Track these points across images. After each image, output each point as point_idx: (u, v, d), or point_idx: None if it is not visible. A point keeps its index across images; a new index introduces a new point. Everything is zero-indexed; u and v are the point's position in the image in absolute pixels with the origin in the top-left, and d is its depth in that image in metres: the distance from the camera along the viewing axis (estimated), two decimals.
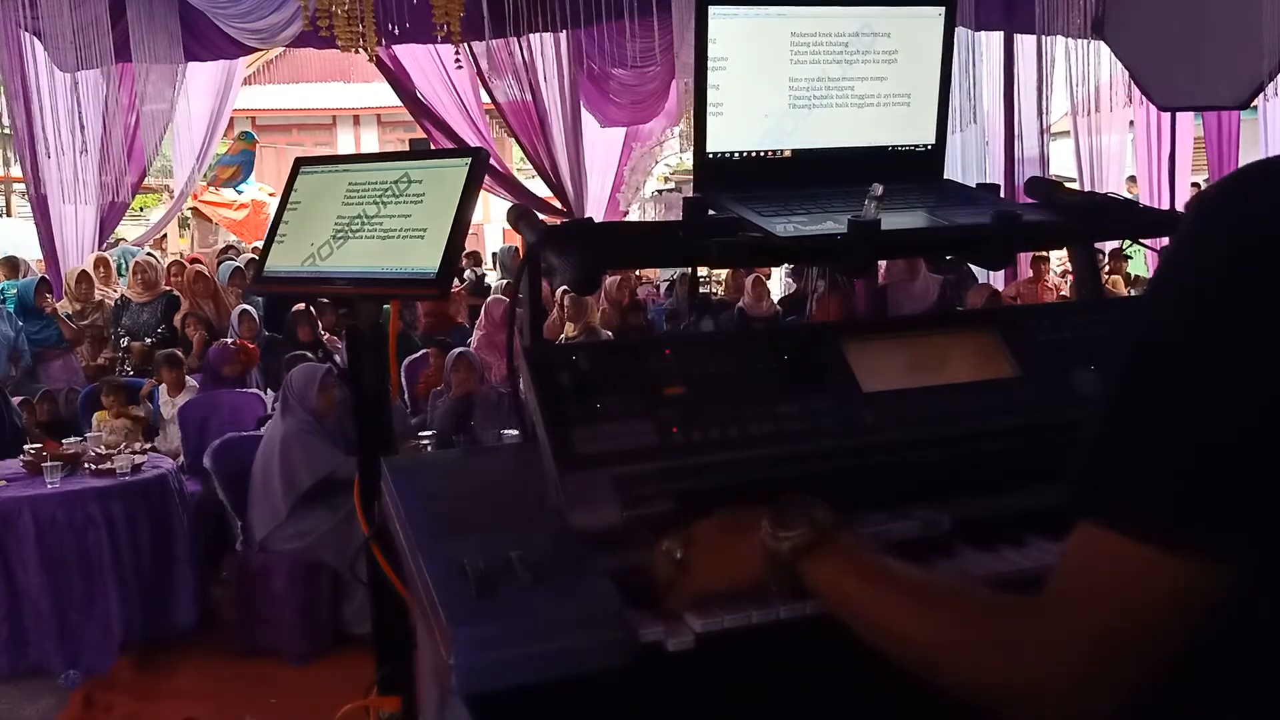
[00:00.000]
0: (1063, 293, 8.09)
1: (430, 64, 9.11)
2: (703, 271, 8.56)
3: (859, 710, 1.17)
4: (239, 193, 12.83)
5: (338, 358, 5.13)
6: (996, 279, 7.71)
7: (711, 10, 1.43)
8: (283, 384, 4.69)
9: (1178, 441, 0.69)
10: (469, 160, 1.81)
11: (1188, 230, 0.74)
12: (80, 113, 8.36)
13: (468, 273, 10.03)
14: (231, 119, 11.03)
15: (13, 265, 8.72)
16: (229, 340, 6.64)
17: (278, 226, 1.99)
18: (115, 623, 4.26)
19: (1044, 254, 8.11)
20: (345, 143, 22.01)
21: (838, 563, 0.92)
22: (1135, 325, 0.74)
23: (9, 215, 16.08)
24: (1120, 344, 0.75)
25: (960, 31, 7.48)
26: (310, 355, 5.60)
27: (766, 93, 1.50)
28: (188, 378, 6.05)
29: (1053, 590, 0.74)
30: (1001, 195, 1.74)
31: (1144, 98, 7.18)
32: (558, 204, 9.15)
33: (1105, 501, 0.72)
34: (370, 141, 21.97)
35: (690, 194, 1.49)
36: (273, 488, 4.41)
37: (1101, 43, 7.57)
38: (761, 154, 1.52)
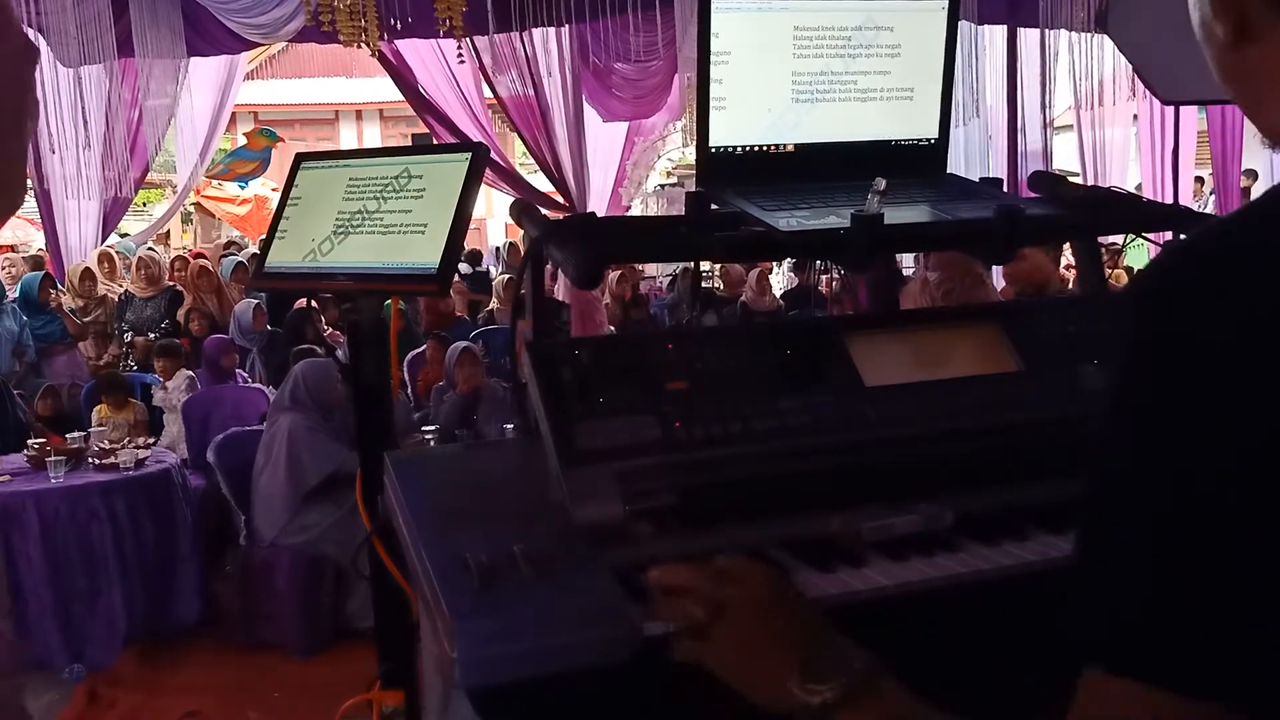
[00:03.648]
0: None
1: (433, 58, 9.09)
2: (705, 266, 8.56)
3: None
4: (242, 188, 12.83)
5: (340, 353, 5.14)
6: (996, 273, 7.69)
7: (714, 4, 1.43)
8: (289, 379, 4.68)
9: (1193, 584, 0.63)
10: (469, 155, 1.81)
11: (1128, 336, 0.68)
12: (83, 108, 8.36)
13: (463, 266, 10.02)
14: (234, 114, 11.02)
15: (37, 262, 8.74)
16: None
17: (279, 222, 1.99)
18: (119, 617, 4.27)
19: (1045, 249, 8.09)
20: (348, 138, 22.02)
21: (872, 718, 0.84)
22: (1100, 448, 0.68)
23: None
24: (1090, 465, 0.69)
25: (963, 25, 7.48)
26: (317, 350, 5.61)
27: (769, 87, 1.50)
28: (185, 371, 6.03)
29: None
30: (1004, 189, 1.74)
31: (1147, 91, 7.16)
32: (560, 199, 9.14)
33: (1128, 648, 0.66)
34: (373, 136, 21.97)
35: (693, 189, 1.49)
36: (279, 486, 4.42)
37: (1105, 36, 7.56)
38: (764, 148, 1.51)
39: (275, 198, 10.68)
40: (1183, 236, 0.70)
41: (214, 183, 12.59)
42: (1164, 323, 0.65)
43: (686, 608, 0.95)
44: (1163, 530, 0.64)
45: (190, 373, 6.02)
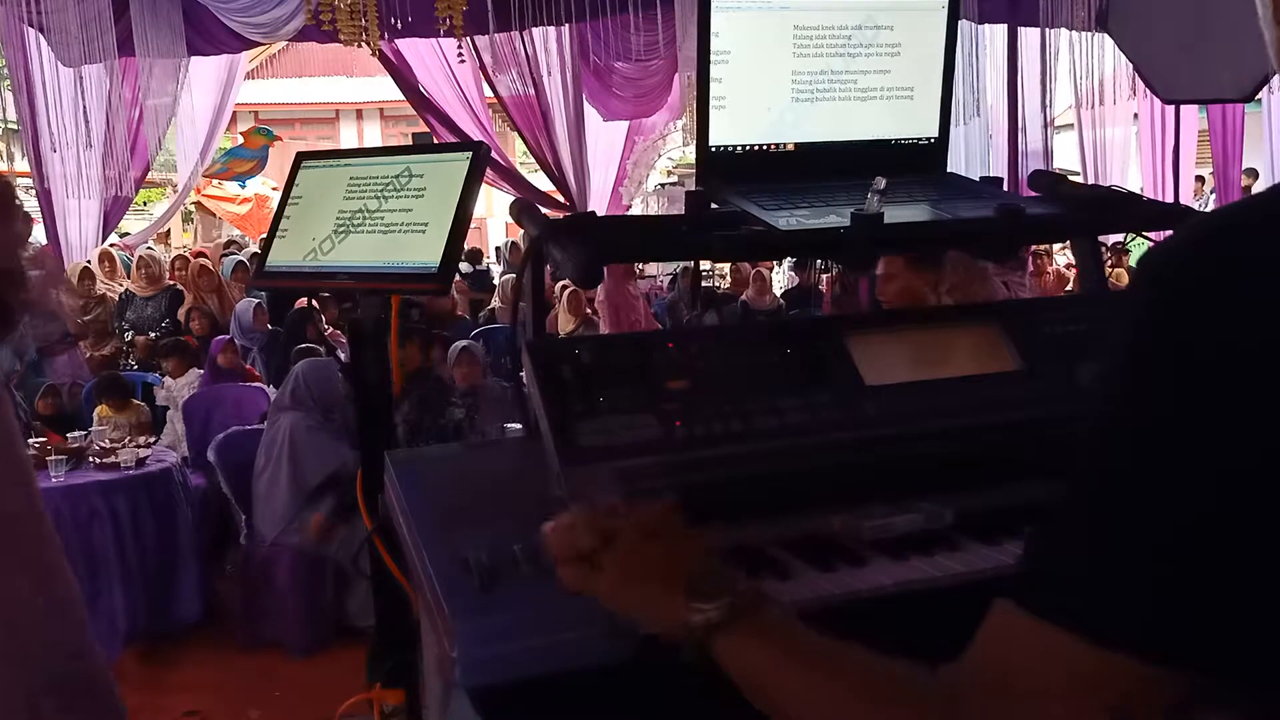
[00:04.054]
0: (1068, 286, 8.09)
1: (433, 58, 9.10)
2: (705, 265, 8.56)
3: None
4: (242, 187, 12.84)
5: (340, 352, 5.13)
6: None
7: (714, 4, 1.43)
8: (290, 378, 4.68)
9: (1135, 543, 0.64)
10: (470, 155, 1.81)
11: (1137, 299, 0.68)
12: (84, 107, 8.36)
13: (464, 265, 10.02)
14: (234, 113, 11.03)
15: None
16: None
17: (280, 221, 1.99)
18: (119, 616, 4.27)
19: (1045, 248, 8.11)
20: (348, 137, 22.02)
21: (757, 642, 0.85)
22: (1098, 406, 0.69)
23: None
24: (1087, 423, 0.70)
25: (963, 24, 7.48)
26: (318, 350, 5.61)
27: (769, 86, 1.50)
28: (196, 370, 6.06)
29: (973, 678, 0.70)
30: (1005, 189, 1.74)
31: (1148, 90, 7.16)
32: (560, 198, 9.15)
33: (1056, 596, 0.67)
34: (373, 135, 21.97)
35: (693, 188, 1.49)
36: (280, 485, 4.42)
37: (1105, 35, 7.56)
38: (764, 147, 1.51)
39: (275, 197, 10.69)
40: (1194, 220, 0.70)
41: (214, 182, 12.59)
42: (1171, 306, 0.66)
43: (576, 538, 0.97)
44: (1110, 484, 0.66)
45: (201, 370, 6.04)
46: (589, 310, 7.44)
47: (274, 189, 12.31)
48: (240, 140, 12.71)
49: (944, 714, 0.71)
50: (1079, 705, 0.65)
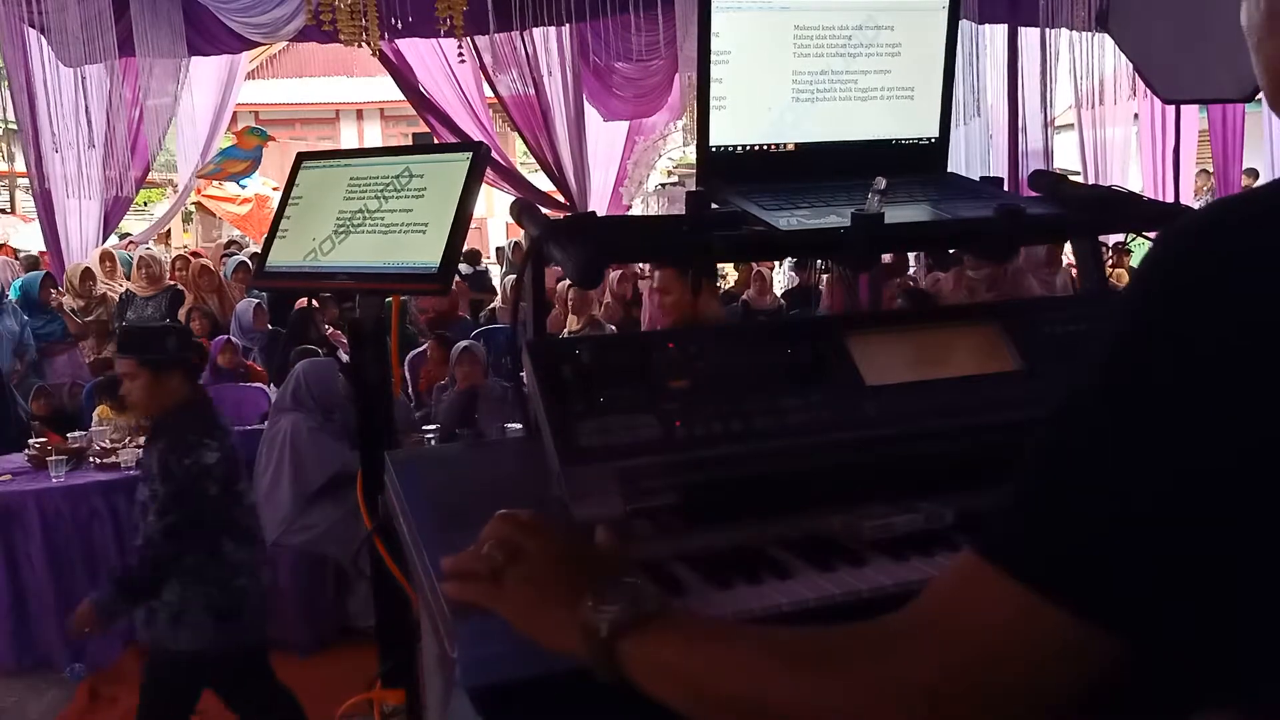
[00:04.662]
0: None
1: (433, 58, 9.10)
2: None
3: None
4: (242, 187, 12.84)
5: (341, 352, 5.13)
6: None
7: (714, 4, 1.43)
8: (290, 379, 4.68)
9: (1090, 499, 0.64)
10: (470, 155, 1.81)
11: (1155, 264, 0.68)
12: (85, 108, 8.36)
13: (463, 266, 10.03)
14: (235, 113, 11.03)
15: (33, 263, 8.76)
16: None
17: (280, 221, 1.99)
18: None
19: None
20: (349, 137, 22.04)
21: (664, 637, 0.82)
22: (1087, 368, 0.70)
23: (13, 211, 16.07)
24: (1070, 383, 0.71)
25: (964, 24, 7.47)
26: (318, 350, 5.61)
27: (769, 86, 1.50)
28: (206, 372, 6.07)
29: (912, 614, 0.69)
30: (1005, 189, 1.74)
31: (1148, 90, 7.16)
32: (561, 198, 9.15)
33: (1003, 539, 0.68)
34: (374, 136, 21.99)
35: (693, 188, 1.49)
36: (282, 487, 4.42)
37: (1105, 35, 7.56)
38: (764, 148, 1.51)
39: (276, 197, 10.70)
40: (1188, 214, 0.71)
41: (214, 182, 12.59)
42: (1172, 290, 0.66)
43: (484, 553, 0.95)
44: (1081, 444, 0.66)
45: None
46: (594, 311, 7.45)
47: (274, 189, 12.31)
48: (234, 141, 12.70)
49: (872, 653, 0.69)
50: (1004, 648, 0.65)
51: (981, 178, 1.68)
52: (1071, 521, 0.65)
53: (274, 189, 12.36)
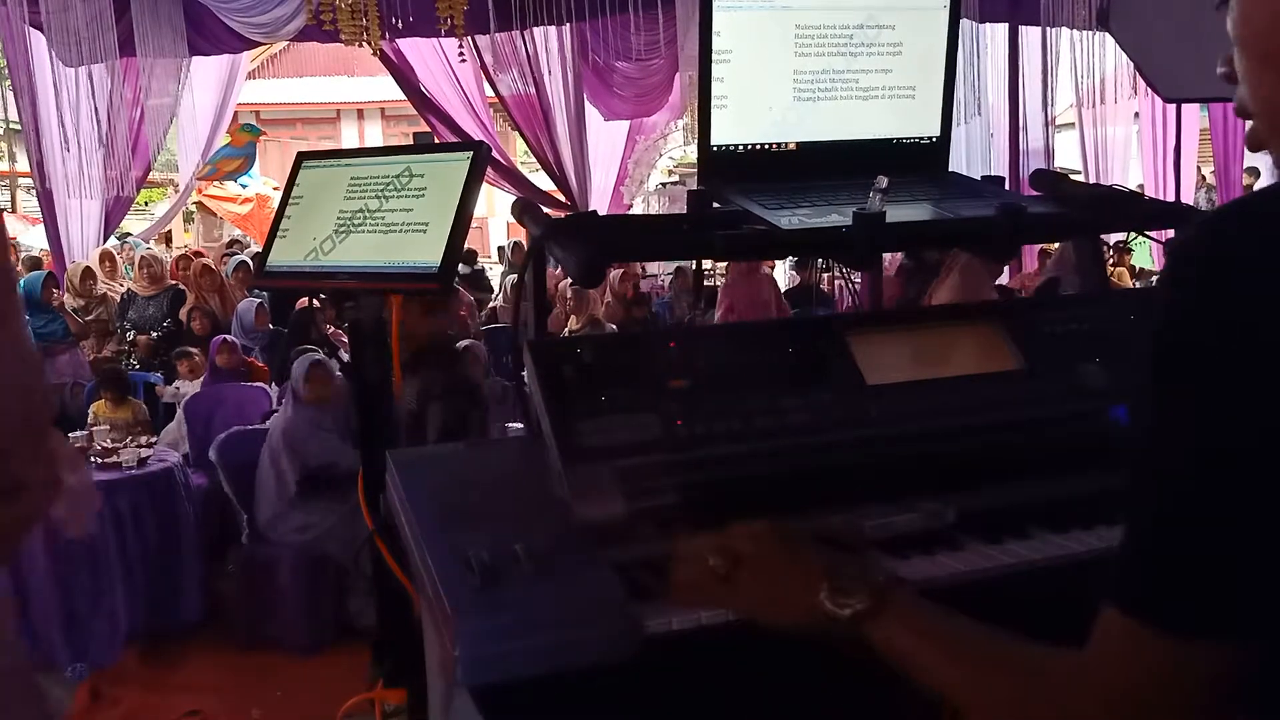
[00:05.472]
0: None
1: (434, 57, 9.10)
2: (707, 264, 8.55)
3: (868, 697, 1.17)
4: (243, 186, 12.83)
5: (342, 352, 5.14)
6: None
7: (716, 3, 1.43)
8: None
9: (1203, 537, 0.69)
10: (470, 154, 1.81)
11: (1171, 291, 0.71)
12: (86, 108, 8.36)
13: (460, 266, 10.02)
14: (235, 113, 11.03)
15: (35, 263, 8.76)
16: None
17: (280, 221, 1.99)
18: (121, 616, 4.27)
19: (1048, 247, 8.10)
20: (349, 137, 22.02)
21: (898, 628, 0.90)
22: (1144, 403, 0.73)
23: (14, 211, 16.07)
24: (1137, 418, 0.77)
25: (964, 23, 7.47)
26: (318, 349, 5.61)
27: (771, 85, 1.50)
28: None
29: (1088, 667, 0.75)
30: (1006, 188, 1.74)
31: (1149, 89, 7.16)
32: (562, 197, 9.15)
33: (1135, 596, 0.73)
34: (374, 135, 21.97)
35: (694, 187, 1.49)
36: (279, 477, 4.43)
37: (1106, 34, 7.56)
38: (766, 147, 1.51)
39: (277, 197, 10.69)
40: (1199, 217, 0.74)
41: (215, 182, 12.58)
42: (1208, 282, 0.68)
43: (706, 563, 1.01)
44: (1194, 482, 0.69)
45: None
46: (595, 311, 7.45)
47: (275, 189, 12.30)
48: (229, 140, 12.70)
49: (1032, 689, 0.78)
50: (1158, 693, 0.71)
51: (982, 177, 1.68)
52: (1193, 564, 0.69)
53: (275, 188, 12.35)
